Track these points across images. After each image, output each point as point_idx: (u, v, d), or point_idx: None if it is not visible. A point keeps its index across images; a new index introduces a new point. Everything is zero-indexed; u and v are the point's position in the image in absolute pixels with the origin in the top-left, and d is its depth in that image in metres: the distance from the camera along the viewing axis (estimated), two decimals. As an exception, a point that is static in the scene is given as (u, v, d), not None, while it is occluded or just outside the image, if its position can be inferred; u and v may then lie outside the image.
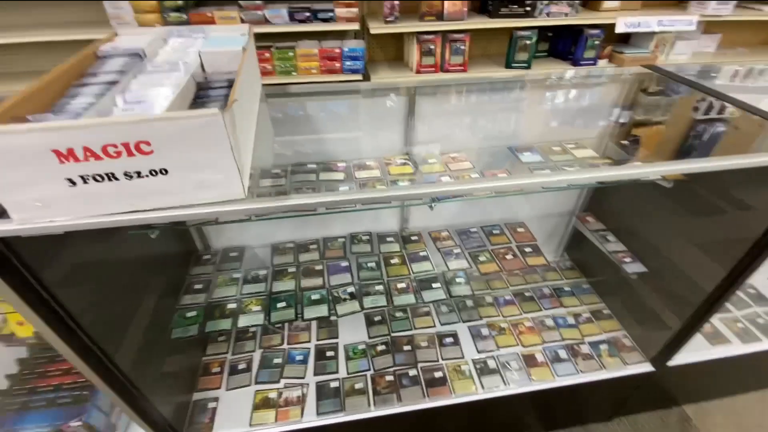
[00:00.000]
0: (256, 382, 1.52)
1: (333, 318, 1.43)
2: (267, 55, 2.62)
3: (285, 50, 2.65)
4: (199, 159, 0.69)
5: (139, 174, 0.68)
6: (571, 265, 2.02)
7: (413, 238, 1.72)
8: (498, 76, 2.88)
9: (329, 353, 1.60)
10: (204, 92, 0.92)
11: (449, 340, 1.62)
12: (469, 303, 1.76)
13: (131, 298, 1.25)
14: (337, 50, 2.69)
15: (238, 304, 1.49)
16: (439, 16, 2.68)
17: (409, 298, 1.49)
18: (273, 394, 1.47)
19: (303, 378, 1.52)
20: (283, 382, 1.52)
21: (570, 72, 2.79)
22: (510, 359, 1.57)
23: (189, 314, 1.44)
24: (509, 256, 1.60)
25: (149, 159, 0.67)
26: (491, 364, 1.55)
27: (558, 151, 1.35)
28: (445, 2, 2.61)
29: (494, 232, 1.72)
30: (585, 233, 1.81)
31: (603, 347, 1.62)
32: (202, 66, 1.01)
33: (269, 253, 1.69)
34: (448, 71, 2.90)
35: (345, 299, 1.47)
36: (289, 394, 1.47)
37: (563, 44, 3.01)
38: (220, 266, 1.65)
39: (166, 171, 0.69)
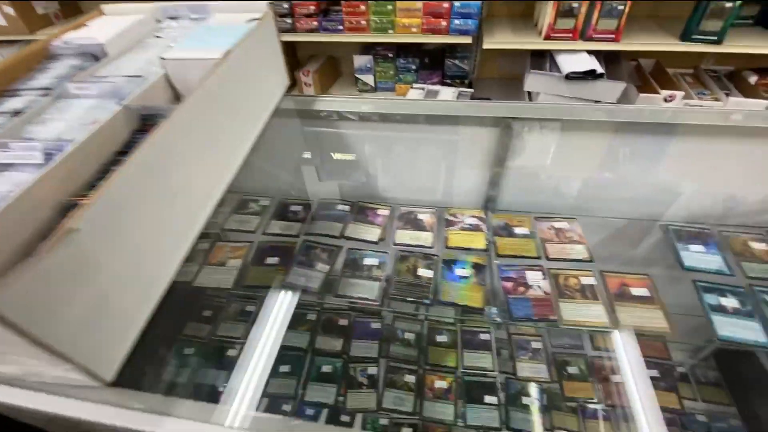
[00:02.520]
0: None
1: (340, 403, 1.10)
2: (362, 7, 2.21)
3: (384, 2, 2.17)
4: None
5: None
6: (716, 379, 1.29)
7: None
8: (666, 50, 1.97)
9: None
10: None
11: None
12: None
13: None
14: (446, 5, 2.13)
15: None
16: (598, -38, 1.86)
17: (447, 411, 1.04)
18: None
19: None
20: None
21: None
22: None
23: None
24: (618, 377, 1.05)
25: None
26: None
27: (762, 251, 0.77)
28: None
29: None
30: None
31: None
32: (167, 78, 0.66)
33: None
34: (591, 39, 2.10)
35: (362, 383, 1.10)
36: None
37: (792, 9, 1.92)
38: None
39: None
